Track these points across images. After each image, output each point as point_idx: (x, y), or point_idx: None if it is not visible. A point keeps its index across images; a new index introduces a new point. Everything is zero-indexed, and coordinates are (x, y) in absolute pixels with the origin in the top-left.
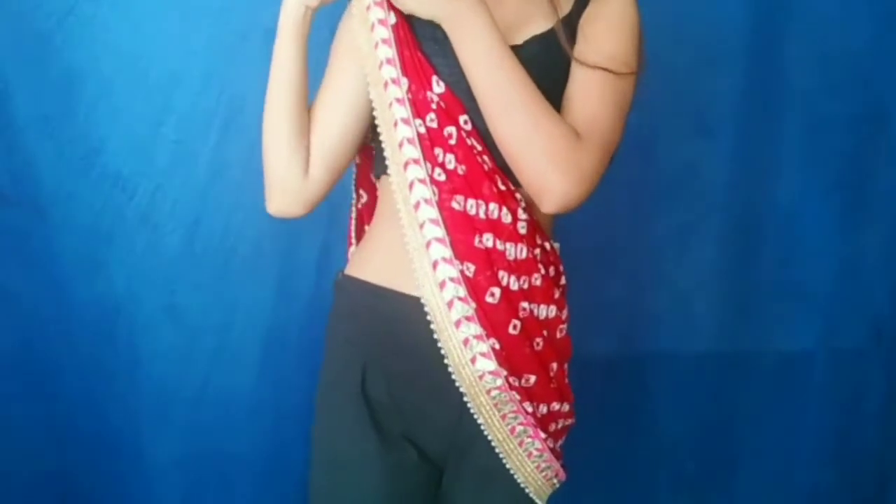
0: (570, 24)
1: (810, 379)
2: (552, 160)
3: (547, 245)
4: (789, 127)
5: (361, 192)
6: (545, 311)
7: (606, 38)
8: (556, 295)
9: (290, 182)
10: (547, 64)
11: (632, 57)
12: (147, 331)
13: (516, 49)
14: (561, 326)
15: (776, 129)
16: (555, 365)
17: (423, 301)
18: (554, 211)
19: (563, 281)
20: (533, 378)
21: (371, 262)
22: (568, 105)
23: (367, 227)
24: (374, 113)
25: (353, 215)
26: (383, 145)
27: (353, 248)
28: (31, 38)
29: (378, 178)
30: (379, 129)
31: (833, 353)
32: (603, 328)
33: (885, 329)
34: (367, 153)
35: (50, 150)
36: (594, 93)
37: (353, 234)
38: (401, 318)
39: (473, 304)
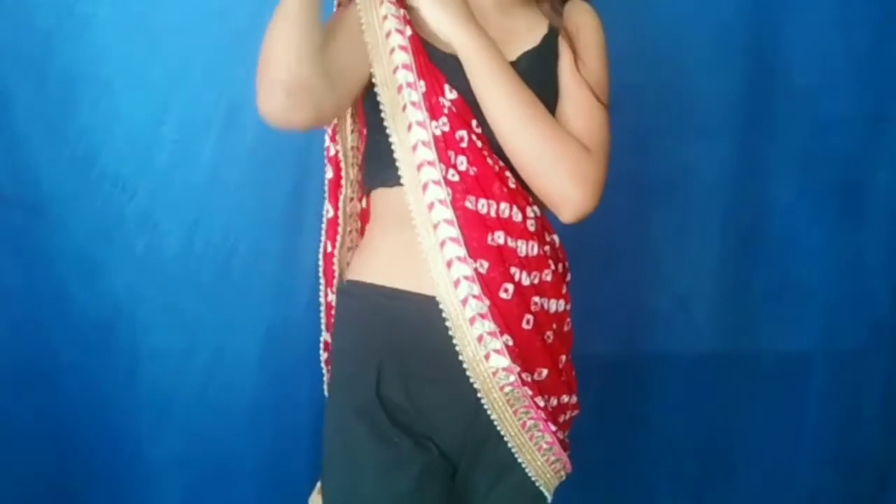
0: (553, 40)
1: (810, 379)
2: (568, 173)
3: (556, 240)
4: (789, 127)
5: (329, 206)
6: (555, 306)
7: (588, 55)
8: (564, 290)
9: (304, 78)
10: (539, 78)
11: (606, 73)
12: (147, 331)
13: (511, 65)
14: (567, 319)
15: (775, 130)
16: (564, 357)
17: (438, 300)
18: (572, 220)
19: (568, 277)
20: (545, 372)
21: (375, 266)
22: (567, 119)
23: (331, 240)
24: (383, 115)
25: (325, 227)
26: (393, 147)
27: (320, 255)
28: (31, 38)
29: (372, 190)
30: (388, 132)
31: (833, 353)
32: (603, 328)
33: (885, 329)
34: (338, 172)
35: (50, 150)
36: (588, 106)
37: (323, 245)
38: (413, 317)
39: (487, 302)
